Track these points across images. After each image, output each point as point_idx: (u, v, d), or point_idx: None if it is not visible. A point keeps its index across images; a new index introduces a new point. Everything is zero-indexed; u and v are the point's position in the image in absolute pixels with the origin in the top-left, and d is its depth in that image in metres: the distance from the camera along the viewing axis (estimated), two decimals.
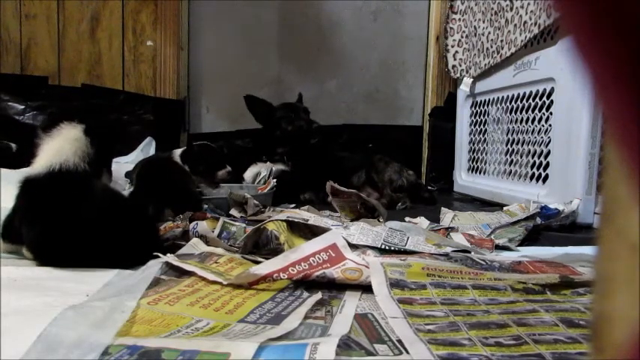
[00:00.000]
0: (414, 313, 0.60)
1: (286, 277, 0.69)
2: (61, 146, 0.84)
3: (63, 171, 0.82)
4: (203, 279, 0.70)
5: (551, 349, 0.50)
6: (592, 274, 0.75)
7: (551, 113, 1.47)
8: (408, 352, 0.48)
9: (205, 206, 1.25)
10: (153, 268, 0.75)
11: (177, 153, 1.36)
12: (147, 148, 1.95)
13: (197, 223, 0.96)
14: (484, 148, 1.94)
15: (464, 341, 0.52)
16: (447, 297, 0.66)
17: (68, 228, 0.77)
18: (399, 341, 0.51)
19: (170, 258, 0.76)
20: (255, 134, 1.98)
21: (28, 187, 0.82)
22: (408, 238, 0.92)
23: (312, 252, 0.73)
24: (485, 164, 1.93)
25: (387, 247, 0.89)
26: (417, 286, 0.68)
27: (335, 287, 0.69)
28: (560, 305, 0.64)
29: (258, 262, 0.80)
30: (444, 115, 2.25)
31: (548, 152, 1.48)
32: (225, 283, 0.67)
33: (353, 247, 0.84)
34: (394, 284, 0.68)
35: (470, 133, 2.05)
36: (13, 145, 1.72)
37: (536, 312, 0.61)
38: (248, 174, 1.72)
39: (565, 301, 0.67)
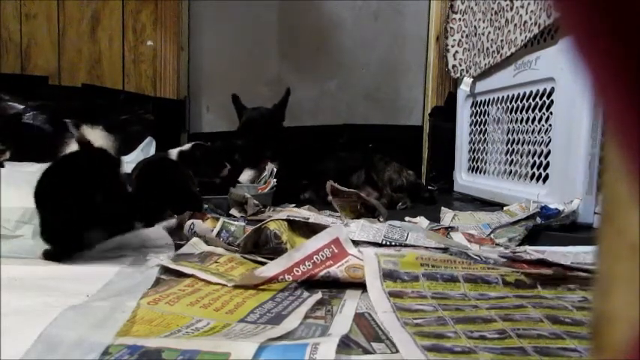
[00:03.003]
0: (403, 307, 0.61)
1: (291, 278, 0.69)
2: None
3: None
4: (204, 279, 0.70)
5: (534, 343, 0.52)
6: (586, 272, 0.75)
7: (551, 113, 1.47)
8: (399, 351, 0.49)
9: (205, 206, 1.25)
10: (153, 268, 0.75)
11: (173, 153, 1.35)
12: (147, 148, 1.95)
13: (193, 222, 0.96)
14: (484, 147, 1.94)
15: (449, 334, 0.53)
16: (439, 291, 0.67)
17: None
18: None
19: (166, 261, 0.76)
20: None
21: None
22: (408, 233, 0.92)
23: (316, 249, 0.73)
24: (485, 164, 1.93)
25: (387, 243, 0.89)
26: (410, 277, 0.69)
27: (335, 286, 0.69)
28: (548, 302, 0.65)
29: (258, 262, 0.80)
30: (444, 115, 2.25)
31: (549, 152, 1.48)
32: (229, 285, 0.67)
33: (354, 243, 0.84)
34: (387, 275, 0.69)
35: (470, 133, 2.05)
36: None
37: (524, 308, 0.62)
38: (242, 178, 1.72)
39: (554, 297, 0.67)
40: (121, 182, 0.94)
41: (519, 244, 1.06)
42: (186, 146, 1.41)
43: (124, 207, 0.91)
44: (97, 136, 0.92)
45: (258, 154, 1.77)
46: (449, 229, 1.12)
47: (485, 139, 1.93)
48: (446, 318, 0.58)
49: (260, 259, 0.82)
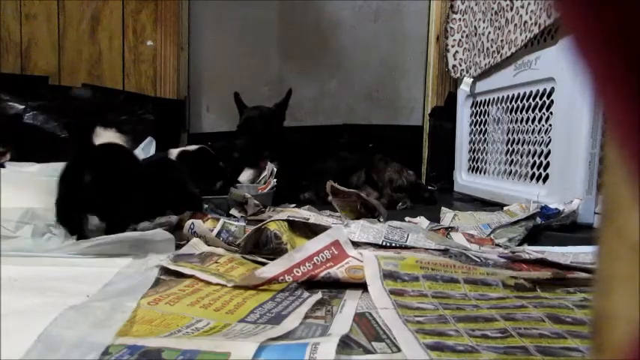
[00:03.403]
0: (404, 305, 0.61)
1: (292, 279, 0.69)
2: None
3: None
4: (204, 280, 0.70)
5: (535, 342, 0.51)
6: (586, 273, 0.76)
7: (551, 113, 1.47)
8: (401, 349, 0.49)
9: (205, 206, 1.25)
10: (153, 269, 0.75)
11: (174, 153, 1.35)
12: (147, 148, 1.95)
13: (193, 223, 0.96)
14: (484, 147, 1.94)
15: (451, 332, 0.53)
16: (439, 290, 0.67)
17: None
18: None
19: (165, 262, 0.76)
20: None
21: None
22: (408, 235, 0.92)
23: (316, 250, 0.73)
24: (485, 164, 1.93)
25: (387, 244, 0.89)
26: (410, 278, 0.69)
27: (335, 287, 0.69)
28: (548, 302, 0.65)
29: (258, 262, 0.80)
30: (445, 115, 2.25)
31: (549, 152, 1.48)
32: (229, 285, 0.67)
33: (354, 244, 0.84)
34: (387, 275, 0.69)
35: (470, 133, 2.05)
36: None
37: (525, 308, 0.62)
38: (242, 178, 1.72)
39: (554, 298, 0.67)
40: (141, 172, 1.06)
41: (519, 244, 1.06)
42: (191, 147, 1.41)
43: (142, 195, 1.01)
44: (112, 137, 1.01)
45: (256, 152, 1.76)
46: (449, 230, 1.12)
47: (486, 139, 1.93)
48: (447, 316, 0.58)
49: (260, 259, 0.82)
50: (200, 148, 1.39)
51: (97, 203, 0.94)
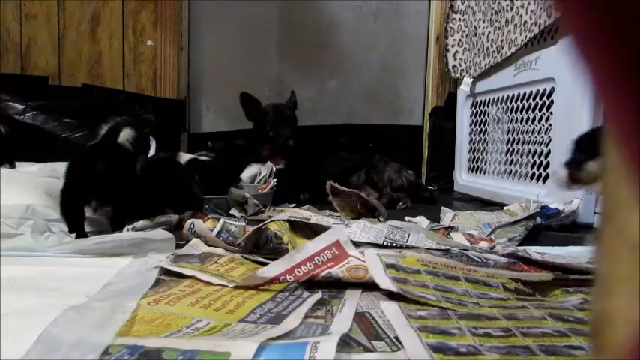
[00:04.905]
0: (407, 292, 0.61)
1: (293, 279, 0.69)
2: None
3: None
4: (204, 280, 0.70)
5: (539, 341, 0.51)
6: (586, 273, 0.76)
7: (551, 113, 1.48)
8: (404, 347, 0.49)
9: (206, 206, 1.25)
10: (153, 270, 0.75)
11: (183, 158, 1.35)
12: None
13: (193, 222, 0.96)
14: (484, 147, 1.94)
15: (453, 330, 0.53)
16: (440, 284, 0.67)
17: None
18: (397, 338, 0.52)
19: (165, 263, 0.76)
20: (250, 133, 1.97)
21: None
22: (409, 235, 0.92)
23: (317, 251, 0.73)
24: (485, 164, 1.93)
25: (389, 244, 0.89)
26: (412, 270, 0.70)
27: (335, 286, 0.70)
28: (549, 303, 0.65)
29: (258, 262, 0.80)
30: (445, 114, 2.25)
31: (549, 152, 1.48)
32: (231, 285, 0.67)
33: (355, 244, 0.84)
34: (389, 266, 0.69)
35: (470, 133, 2.05)
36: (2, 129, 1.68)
37: (526, 308, 0.62)
38: (245, 175, 1.72)
39: (555, 301, 0.67)
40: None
41: (519, 244, 1.06)
42: (204, 158, 1.42)
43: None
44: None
45: (291, 137, 1.79)
46: (449, 229, 1.12)
47: (486, 139, 1.93)
48: (449, 312, 0.58)
49: (260, 259, 0.82)
50: (210, 161, 1.40)
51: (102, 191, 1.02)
